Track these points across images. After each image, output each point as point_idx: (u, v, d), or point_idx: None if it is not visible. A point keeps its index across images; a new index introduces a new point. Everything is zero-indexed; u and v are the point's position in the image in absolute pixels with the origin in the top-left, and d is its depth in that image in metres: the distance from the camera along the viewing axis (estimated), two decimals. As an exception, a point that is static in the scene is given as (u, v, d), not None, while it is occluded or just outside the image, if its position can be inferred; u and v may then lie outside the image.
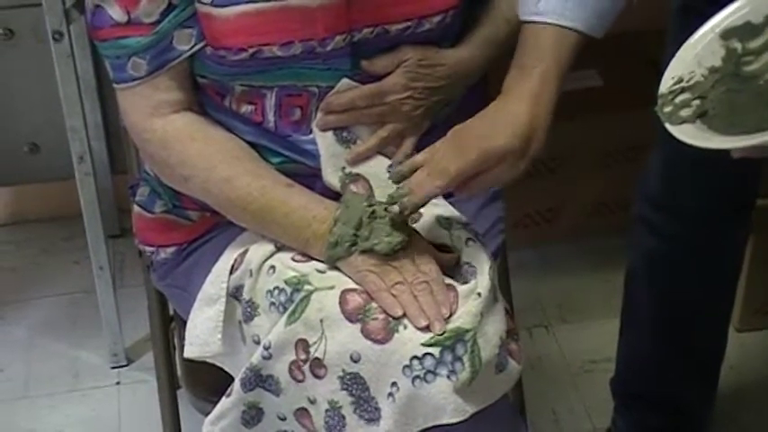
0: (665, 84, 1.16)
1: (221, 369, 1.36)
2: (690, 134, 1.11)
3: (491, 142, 1.20)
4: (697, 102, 1.14)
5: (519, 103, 1.22)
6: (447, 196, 1.38)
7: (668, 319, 1.68)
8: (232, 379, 1.32)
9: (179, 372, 1.63)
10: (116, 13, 1.27)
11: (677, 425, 1.79)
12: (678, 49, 1.18)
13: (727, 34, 1.18)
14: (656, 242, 1.63)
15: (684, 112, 1.14)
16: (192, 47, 1.29)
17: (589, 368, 2.05)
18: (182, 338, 1.52)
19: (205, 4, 1.26)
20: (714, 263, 1.64)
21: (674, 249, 1.62)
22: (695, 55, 1.17)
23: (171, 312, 1.62)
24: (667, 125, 1.12)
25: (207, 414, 1.35)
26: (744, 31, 1.18)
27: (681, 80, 1.16)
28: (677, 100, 1.15)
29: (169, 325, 1.64)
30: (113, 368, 2.07)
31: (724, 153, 1.09)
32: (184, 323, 1.39)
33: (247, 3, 1.25)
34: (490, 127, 1.21)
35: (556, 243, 2.28)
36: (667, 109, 1.14)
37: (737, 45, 1.17)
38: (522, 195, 2.20)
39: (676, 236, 1.60)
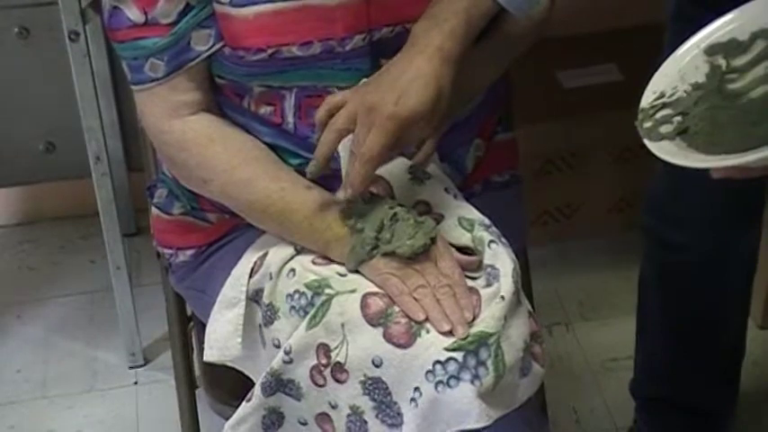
0: (647, 98, 1.15)
1: (241, 372, 1.35)
2: (668, 151, 1.09)
3: (402, 110, 1.18)
4: (678, 118, 1.12)
5: (425, 61, 1.19)
6: (468, 197, 1.37)
7: (683, 326, 1.66)
8: (252, 382, 1.31)
9: (197, 372, 1.62)
10: (133, 14, 1.25)
11: (699, 425, 1.77)
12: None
13: (711, 50, 1.16)
14: (666, 253, 1.61)
15: (664, 129, 1.12)
16: (210, 47, 1.28)
17: (610, 366, 2.03)
18: (200, 339, 1.51)
19: (223, 3, 1.24)
20: (726, 267, 1.61)
21: (683, 259, 1.59)
22: (678, 70, 1.15)
23: (189, 313, 1.61)
24: (646, 141, 1.10)
25: (227, 418, 1.33)
26: (729, 47, 1.16)
27: (663, 95, 1.14)
28: (658, 115, 1.13)
29: (187, 326, 1.63)
30: (131, 368, 2.07)
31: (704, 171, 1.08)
32: (203, 325, 1.38)
33: (266, 2, 1.23)
34: (399, 92, 1.18)
35: (575, 239, 2.27)
36: (647, 124, 1.12)
37: (722, 62, 1.16)
38: (541, 192, 2.19)
39: (685, 245, 1.58)
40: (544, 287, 2.13)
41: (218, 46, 1.28)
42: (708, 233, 1.57)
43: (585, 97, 2.19)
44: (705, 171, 1.22)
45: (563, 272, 2.22)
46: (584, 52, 2.26)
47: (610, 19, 2.26)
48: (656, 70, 1.16)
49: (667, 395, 1.75)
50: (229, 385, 1.42)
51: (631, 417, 1.84)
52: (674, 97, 1.14)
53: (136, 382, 2.05)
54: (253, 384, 1.29)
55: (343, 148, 1.30)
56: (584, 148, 2.20)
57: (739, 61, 1.15)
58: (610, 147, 2.20)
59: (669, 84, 1.15)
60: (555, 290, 2.19)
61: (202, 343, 1.36)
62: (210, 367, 1.39)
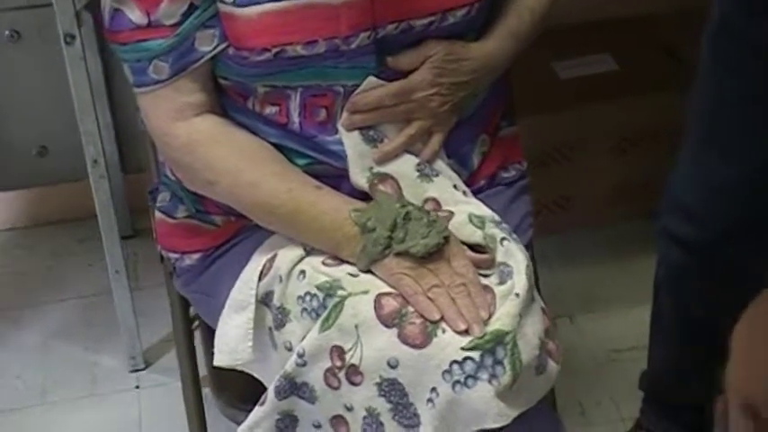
0: None
1: (250, 375, 1.33)
2: None
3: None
4: None
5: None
6: (476, 192, 1.36)
7: (695, 330, 1.65)
8: (262, 385, 1.30)
9: (200, 374, 1.61)
10: (136, 16, 1.24)
11: (707, 420, 1.77)
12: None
13: None
14: (682, 256, 1.58)
15: None
16: (215, 48, 1.26)
17: (614, 357, 2.03)
18: (204, 342, 1.50)
19: (227, 3, 1.23)
20: (745, 279, 1.59)
21: (700, 264, 1.57)
22: None
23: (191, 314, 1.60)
24: None
25: (238, 422, 1.32)
26: None
27: None
28: None
29: (191, 327, 1.62)
30: (132, 371, 2.04)
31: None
32: (209, 329, 1.37)
33: (270, 2, 1.22)
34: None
35: (573, 232, 2.25)
36: None
37: None
38: (537, 184, 2.16)
39: (705, 252, 1.55)
40: (545, 280, 2.11)
41: (222, 46, 1.26)
42: (736, 238, 1.53)
43: (581, 88, 2.18)
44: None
45: (563, 265, 2.21)
46: (579, 42, 2.25)
47: (605, 9, 2.25)
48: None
49: (677, 395, 1.74)
50: (239, 389, 1.40)
51: (637, 407, 1.83)
52: None
53: (137, 386, 2.03)
54: (263, 388, 1.28)
55: (350, 145, 1.29)
56: (580, 138, 2.19)
57: None
58: (606, 137, 2.19)
59: None
60: (556, 283, 2.17)
61: (207, 346, 1.34)
62: (219, 371, 1.38)
